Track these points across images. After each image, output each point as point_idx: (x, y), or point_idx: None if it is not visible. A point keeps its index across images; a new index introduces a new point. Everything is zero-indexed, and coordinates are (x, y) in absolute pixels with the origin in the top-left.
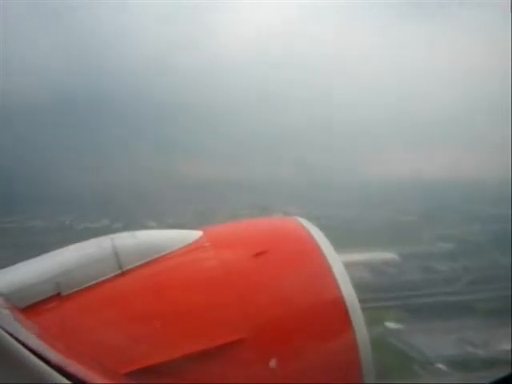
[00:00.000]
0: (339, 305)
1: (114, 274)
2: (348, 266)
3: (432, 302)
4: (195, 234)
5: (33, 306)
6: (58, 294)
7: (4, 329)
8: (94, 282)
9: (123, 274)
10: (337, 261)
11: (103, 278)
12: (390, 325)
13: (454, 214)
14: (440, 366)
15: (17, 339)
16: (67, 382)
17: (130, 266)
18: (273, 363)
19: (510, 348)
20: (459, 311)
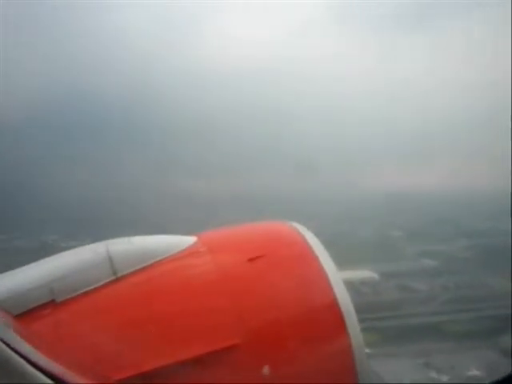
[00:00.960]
0: (334, 309)
1: (108, 280)
2: None
3: (404, 324)
4: (190, 240)
5: (27, 312)
6: (53, 300)
7: None
8: (88, 288)
9: (118, 279)
10: (331, 265)
11: (98, 284)
12: None
13: (443, 228)
14: None
15: (10, 347)
16: None
17: (124, 272)
18: (266, 370)
19: (476, 373)
20: (430, 333)
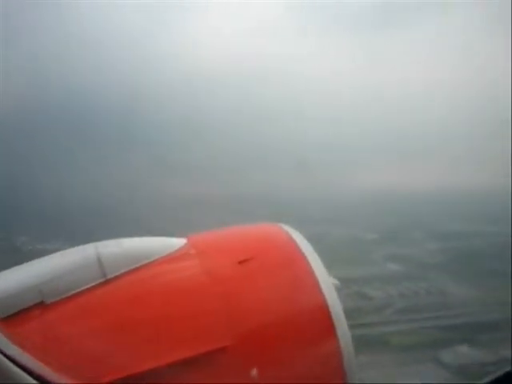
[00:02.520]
0: (323, 311)
1: (97, 282)
2: None
3: (352, 335)
4: (180, 242)
5: (16, 314)
6: (42, 302)
7: None
8: (77, 290)
9: (107, 281)
10: (320, 267)
11: (87, 286)
12: None
13: (419, 230)
14: None
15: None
16: None
17: (114, 274)
18: (254, 372)
19: None
20: (374, 345)
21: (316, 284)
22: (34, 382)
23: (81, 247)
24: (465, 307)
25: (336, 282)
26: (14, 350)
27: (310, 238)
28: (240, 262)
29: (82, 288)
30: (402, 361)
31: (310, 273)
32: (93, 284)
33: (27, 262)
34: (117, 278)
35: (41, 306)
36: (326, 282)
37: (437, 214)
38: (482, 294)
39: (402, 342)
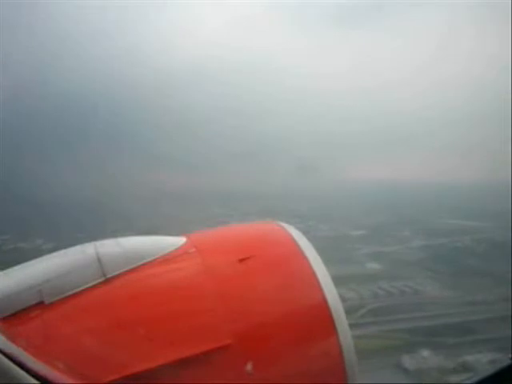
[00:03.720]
0: (323, 309)
1: (97, 282)
2: None
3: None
4: (179, 241)
5: (15, 314)
6: (41, 302)
7: None
8: (77, 290)
9: (107, 281)
10: (320, 264)
11: (86, 286)
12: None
13: (406, 226)
14: None
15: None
16: None
17: (113, 273)
18: (249, 367)
19: None
20: None
21: (316, 281)
22: (35, 381)
23: (80, 247)
24: (438, 308)
25: None
26: (14, 350)
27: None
28: (240, 261)
29: (82, 288)
30: (363, 367)
31: (310, 270)
32: (92, 283)
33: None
34: (116, 277)
35: (40, 305)
36: (326, 280)
37: (427, 209)
38: (459, 294)
39: (367, 347)
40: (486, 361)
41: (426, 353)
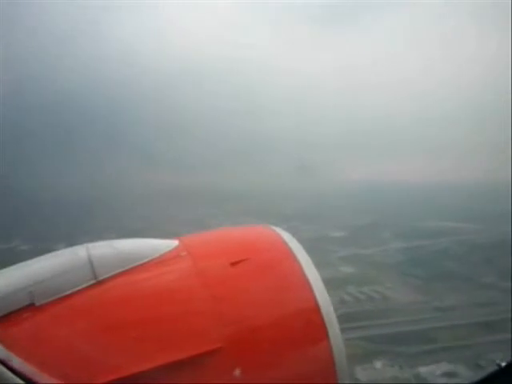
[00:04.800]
0: (314, 312)
1: (88, 284)
2: None
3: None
4: (171, 243)
5: (6, 316)
6: (32, 304)
7: None
8: (68, 292)
9: (98, 283)
10: (311, 268)
11: (78, 288)
12: None
13: (388, 228)
14: None
15: None
16: None
17: (105, 276)
18: (237, 372)
19: None
20: None
21: (307, 285)
22: (22, 382)
23: (72, 248)
24: (403, 315)
25: None
26: (5, 353)
27: None
28: (232, 264)
29: (73, 290)
30: None
31: (301, 274)
32: (84, 286)
33: None
34: (108, 279)
35: (31, 307)
36: (318, 283)
37: (412, 210)
38: (429, 299)
39: None
40: (439, 373)
41: (379, 364)
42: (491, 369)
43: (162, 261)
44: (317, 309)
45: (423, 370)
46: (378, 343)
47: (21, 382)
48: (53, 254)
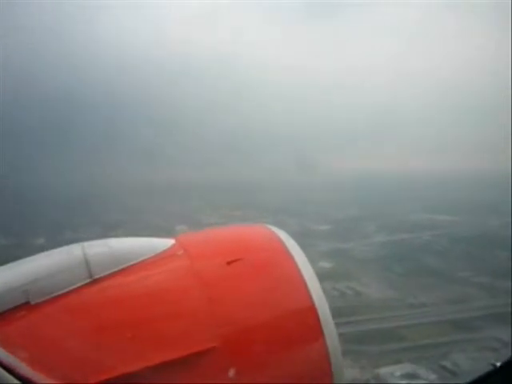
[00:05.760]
0: (310, 312)
1: (84, 283)
2: None
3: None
4: (168, 242)
5: (0, 314)
6: (27, 303)
7: None
8: (63, 291)
9: (93, 282)
10: (308, 267)
11: (73, 287)
12: None
13: (373, 221)
14: None
15: None
16: None
17: (100, 275)
18: (231, 373)
19: None
20: None
21: (303, 284)
22: (19, 383)
23: (67, 247)
24: (373, 312)
25: None
26: (2, 353)
27: None
28: (228, 263)
29: (68, 288)
30: None
31: (298, 273)
32: (79, 284)
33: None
34: (103, 278)
35: (26, 306)
36: (314, 283)
37: (400, 202)
38: (402, 295)
39: None
40: (399, 374)
41: None
42: (486, 369)
43: (157, 260)
44: (313, 309)
45: (384, 370)
46: (343, 342)
47: (17, 382)
48: (48, 252)
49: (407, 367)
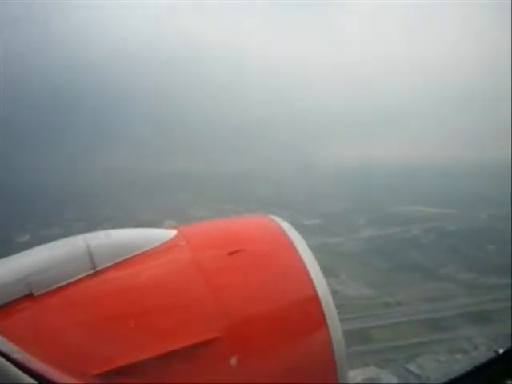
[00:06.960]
0: (314, 302)
1: (87, 274)
2: None
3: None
4: (170, 233)
5: (4, 306)
6: (31, 294)
7: None
8: (66, 282)
9: (96, 273)
10: (311, 258)
11: (76, 278)
12: None
13: (362, 214)
14: None
15: None
16: (35, 382)
17: (103, 266)
18: (233, 361)
19: None
20: None
21: (306, 274)
22: (22, 373)
23: (70, 238)
24: (346, 312)
25: None
26: (2, 342)
27: None
28: (230, 254)
29: (71, 280)
30: None
31: (300, 263)
32: (82, 276)
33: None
34: (106, 269)
35: (30, 297)
36: (316, 273)
37: (395, 194)
38: (379, 293)
39: None
40: (360, 379)
41: None
42: (488, 355)
43: (160, 251)
44: (316, 299)
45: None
46: None
47: (20, 372)
48: (51, 244)
49: (371, 371)
